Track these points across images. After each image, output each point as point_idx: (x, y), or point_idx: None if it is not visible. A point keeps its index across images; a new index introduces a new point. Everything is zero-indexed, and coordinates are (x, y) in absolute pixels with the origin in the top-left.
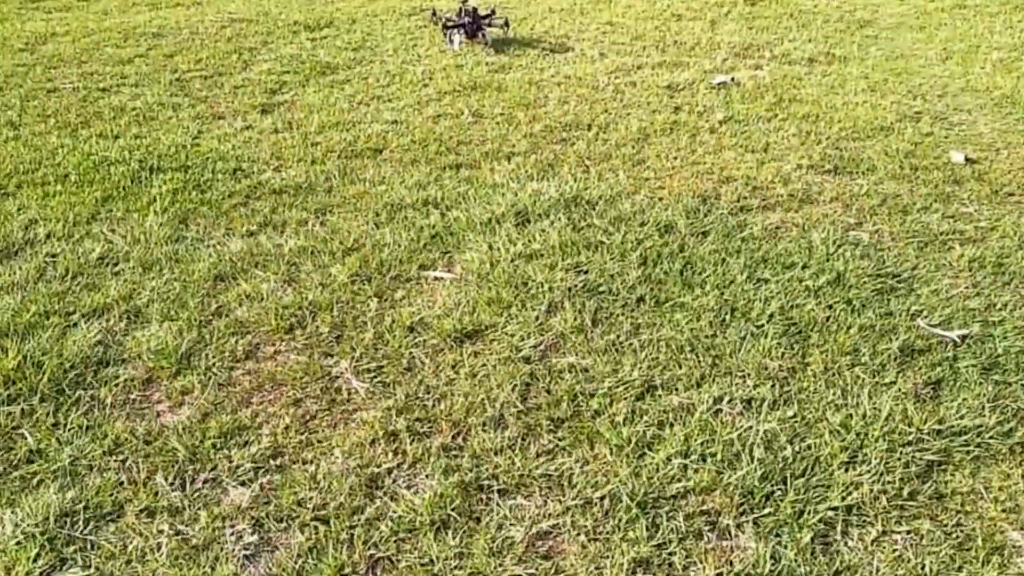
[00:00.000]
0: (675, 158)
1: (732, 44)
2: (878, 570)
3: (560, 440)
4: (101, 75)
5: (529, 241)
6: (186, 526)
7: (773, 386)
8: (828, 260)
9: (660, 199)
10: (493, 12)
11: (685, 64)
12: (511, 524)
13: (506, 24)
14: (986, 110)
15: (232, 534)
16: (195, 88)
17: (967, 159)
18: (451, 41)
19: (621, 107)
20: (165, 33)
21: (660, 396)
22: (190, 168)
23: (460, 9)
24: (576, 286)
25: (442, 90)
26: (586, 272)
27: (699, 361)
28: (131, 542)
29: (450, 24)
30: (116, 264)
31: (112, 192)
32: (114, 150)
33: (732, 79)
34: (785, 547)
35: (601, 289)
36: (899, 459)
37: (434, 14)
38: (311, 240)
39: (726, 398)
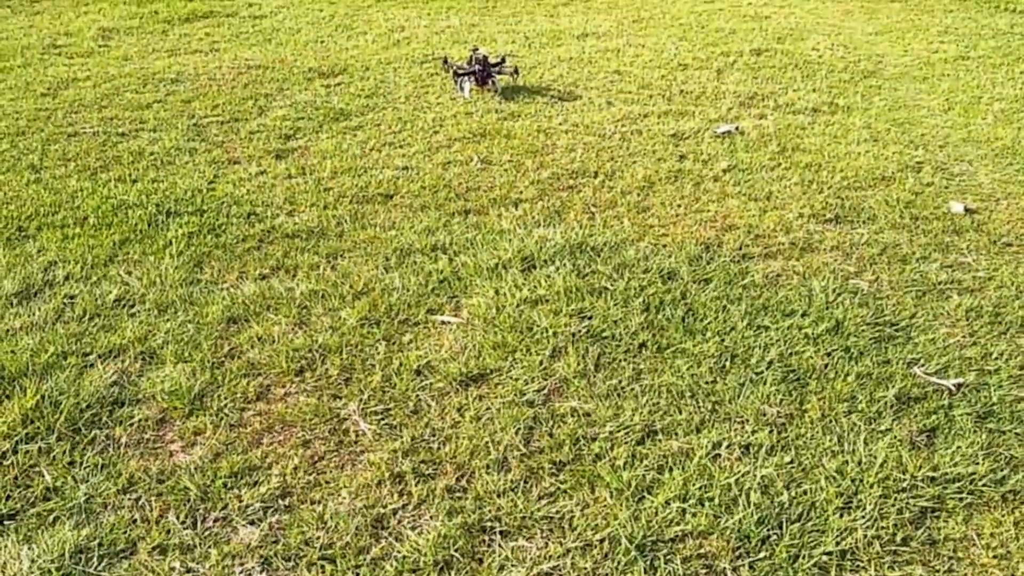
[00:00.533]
0: (679, 206)
1: (737, 93)
2: None
3: (562, 483)
4: (120, 120)
5: (535, 287)
6: (197, 563)
7: (771, 432)
8: (827, 308)
9: (664, 246)
10: (503, 60)
11: (691, 113)
12: (513, 565)
13: (515, 72)
14: (986, 161)
15: (241, 572)
16: (212, 133)
17: (967, 209)
18: (461, 88)
19: (627, 155)
20: (183, 79)
21: (660, 441)
22: (205, 212)
23: (471, 57)
24: (580, 331)
25: (452, 137)
26: (590, 318)
27: (699, 406)
28: None
29: (461, 72)
30: (132, 306)
31: (130, 235)
32: (132, 194)
33: (737, 128)
34: None
35: (604, 335)
36: (893, 505)
37: (445, 62)
38: (322, 284)
39: (725, 443)
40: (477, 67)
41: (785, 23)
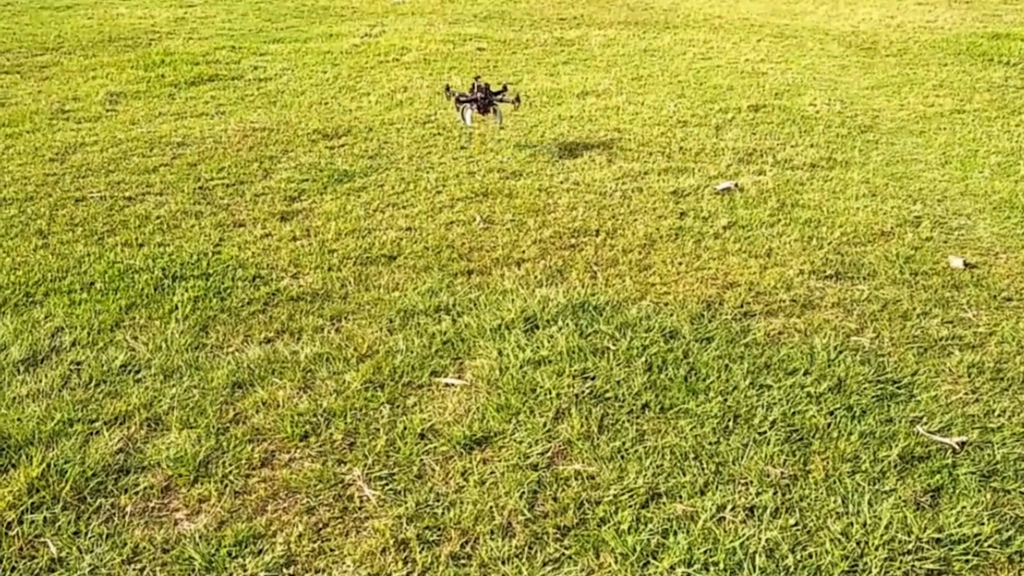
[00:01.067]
0: (680, 264)
1: (736, 150)
2: None
3: (566, 548)
4: (127, 184)
5: (537, 347)
6: None
7: (775, 494)
8: (830, 366)
9: (665, 304)
10: (505, 88)
11: (690, 170)
12: None
13: (517, 100)
14: (985, 214)
15: None
16: (217, 196)
17: (966, 264)
18: (463, 116)
19: (628, 213)
20: (189, 142)
21: (664, 504)
22: (211, 276)
23: (473, 86)
24: (583, 393)
25: (455, 196)
26: (593, 378)
27: (702, 468)
28: None
29: (463, 99)
30: (138, 371)
31: (136, 300)
32: (139, 258)
33: (736, 185)
34: None
35: (607, 395)
36: (899, 568)
37: (448, 89)
38: (326, 347)
39: (729, 506)
40: (479, 95)
41: (782, 79)
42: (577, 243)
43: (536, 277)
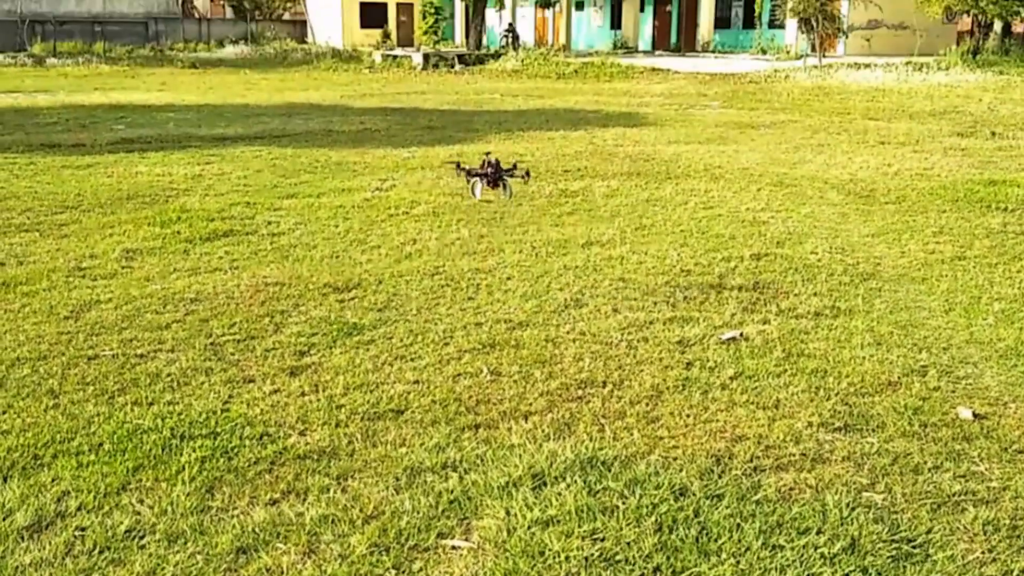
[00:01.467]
0: (688, 416)
1: (740, 299)
2: None
3: None
4: (140, 341)
5: (546, 506)
6: None
7: None
8: (842, 524)
9: (674, 459)
10: (515, 165)
11: (695, 319)
12: None
13: (527, 175)
14: (991, 362)
15: None
16: (228, 352)
17: (975, 415)
18: (473, 190)
19: (634, 363)
20: (202, 298)
21: None
22: (219, 435)
23: (483, 161)
24: (593, 555)
25: (462, 348)
26: (602, 540)
27: None
28: None
29: (473, 173)
30: (142, 537)
31: (143, 461)
32: (148, 418)
33: (741, 334)
34: None
35: (617, 558)
36: None
37: (458, 166)
38: (332, 508)
39: None
40: (489, 169)
41: (783, 227)
42: (584, 395)
43: (543, 431)
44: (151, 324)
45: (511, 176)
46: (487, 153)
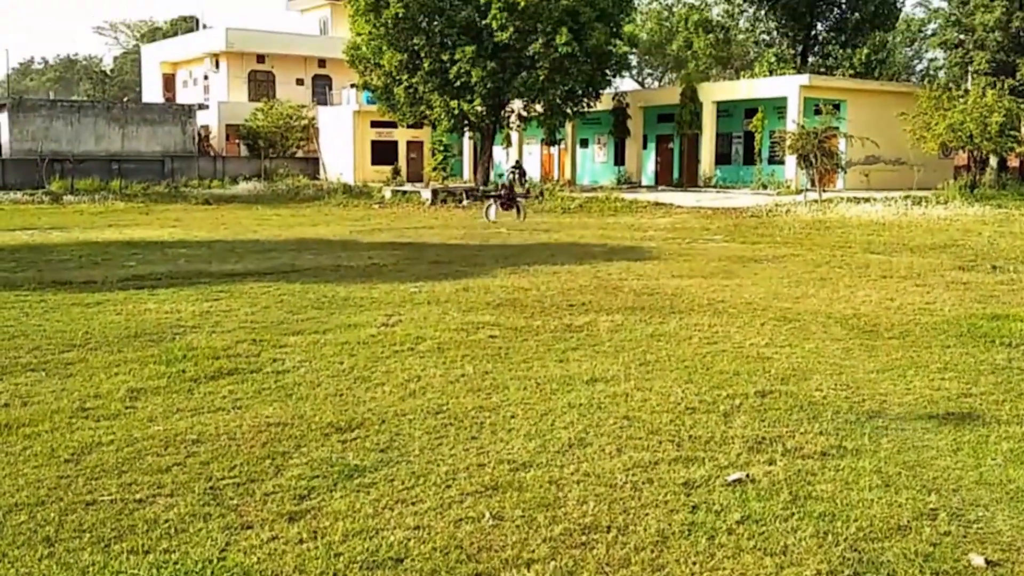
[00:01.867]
0: (694, 563)
1: (745, 438)
2: None
3: None
4: (139, 485)
5: None
6: None
7: None
8: None
9: None
10: (528, 192)
11: (700, 460)
12: None
13: (541, 195)
14: (1002, 505)
15: None
16: (227, 496)
17: (988, 562)
18: (487, 213)
19: (639, 507)
20: (204, 439)
21: None
22: None
23: (498, 184)
24: None
25: (464, 491)
26: None
27: None
28: None
29: (489, 195)
30: None
31: None
32: (143, 567)
33: (747, 476)
34: None
35: None
36: None
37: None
38: None
39: None
40: (503, 191)
41: (787, 363)
42: (588, 541)
43: None
44: (151, 467)
45: (526, 198)
46: (500, 176)
